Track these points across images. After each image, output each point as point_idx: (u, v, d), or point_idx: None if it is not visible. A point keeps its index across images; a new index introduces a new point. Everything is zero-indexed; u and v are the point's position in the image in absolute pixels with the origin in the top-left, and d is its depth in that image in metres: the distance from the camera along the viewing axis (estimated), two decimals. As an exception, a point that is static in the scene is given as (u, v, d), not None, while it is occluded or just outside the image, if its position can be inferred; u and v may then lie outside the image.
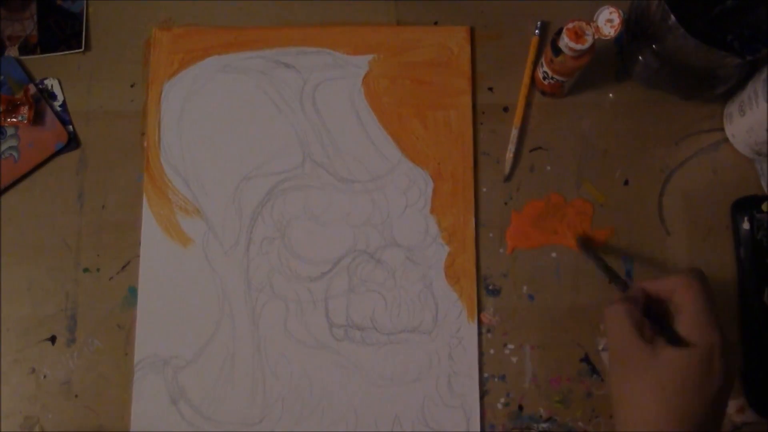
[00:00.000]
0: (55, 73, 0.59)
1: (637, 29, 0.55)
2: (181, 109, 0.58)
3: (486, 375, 0.54)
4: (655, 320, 0.42)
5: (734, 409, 0.54)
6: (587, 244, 0.53)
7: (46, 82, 0.59)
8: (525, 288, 0.56)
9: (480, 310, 0.55)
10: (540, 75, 0.56)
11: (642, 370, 0.40)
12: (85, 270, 0.56)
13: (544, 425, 0.53)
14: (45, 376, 0.54)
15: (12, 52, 0.59)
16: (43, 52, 0.60)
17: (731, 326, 0.55)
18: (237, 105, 0.58)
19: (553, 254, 0.56)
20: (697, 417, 0.38)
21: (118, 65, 0.60)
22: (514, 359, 0.54)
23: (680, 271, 0.42)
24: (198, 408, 0.53)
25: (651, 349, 0.40)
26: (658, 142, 0.58)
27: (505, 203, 0.57)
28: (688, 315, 0.40)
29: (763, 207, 0.55)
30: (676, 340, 0.40)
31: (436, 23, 0.60)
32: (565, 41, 0.50)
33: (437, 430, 0.52)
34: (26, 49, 0.60)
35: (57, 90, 0.59)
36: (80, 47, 0.60)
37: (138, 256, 0.56)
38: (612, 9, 0.50)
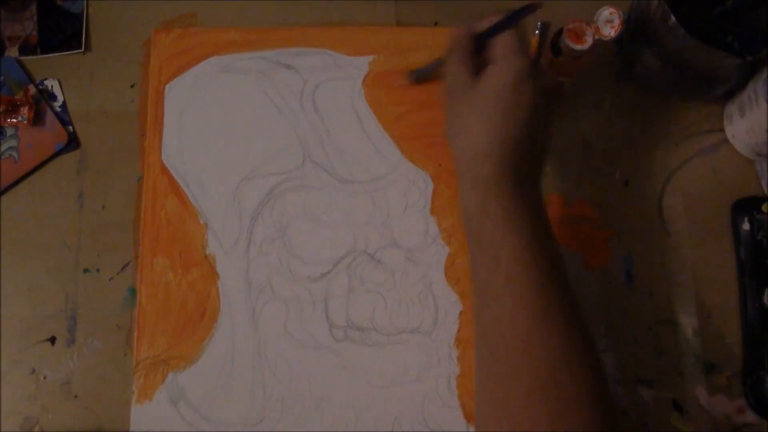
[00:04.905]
0: (55, 74, 0.59)
1: (637, 29, 0.55)
2: (181, 110, 0.58)
3: (486, 375, 0.54)
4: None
5: (734, 409, 0.54)
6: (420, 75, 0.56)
7: (46, 82, 0.59)
8: (525, 288, 0.55)
9: (480, 310, 0.55)
10: (540, 75, 0.56)
11: (469, 99, 0.44)
12: (85, 270, 0.56)
13: (544, 426, 0.53)
14: (45, 377, 0.54)
15: (12, 52, 0.59)
16: (43, 52, 0.60)
17: (731, 326, 0.55)
18: (237, 106, 0.58)
19: (553, 255, 0.56)
20: (513, 139, 0.42)
21: (118, 65, 0.60)
22: (514, 360, 0.54)
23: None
24: (198, 408, 0.53)
25: (475, 79, 0.44)
26: (658, 142, 0.58)
27: (505, 204, 0.57)
28: (500, 45, 0.44)
29: (764, 208, 0.55)
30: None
31: (436, 24, 0.60)
32: (565, 42, 0.50)
33: (437, 431, 0.52)
34: (26, 49, 0.60)
35: (57, 90, 0.59)
36: (80, 47, 0.60)
37: (138, 256, 0.56)
38: (612, 9, 0.50)
